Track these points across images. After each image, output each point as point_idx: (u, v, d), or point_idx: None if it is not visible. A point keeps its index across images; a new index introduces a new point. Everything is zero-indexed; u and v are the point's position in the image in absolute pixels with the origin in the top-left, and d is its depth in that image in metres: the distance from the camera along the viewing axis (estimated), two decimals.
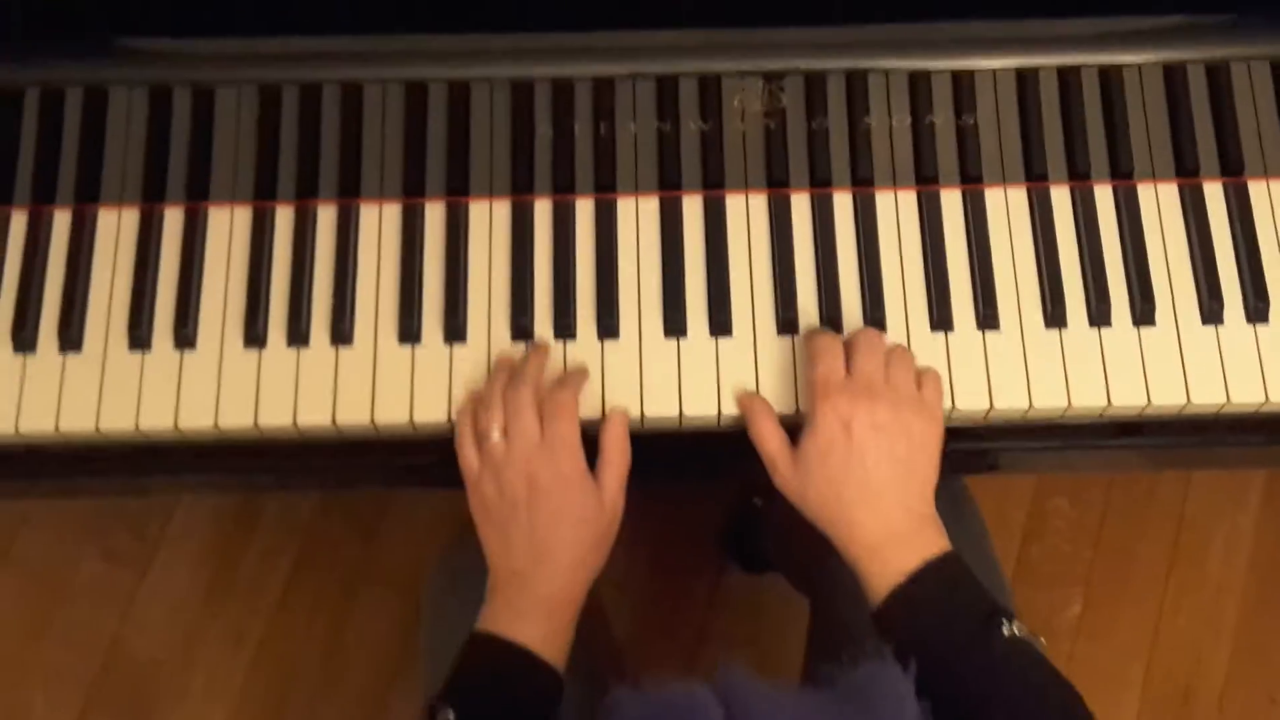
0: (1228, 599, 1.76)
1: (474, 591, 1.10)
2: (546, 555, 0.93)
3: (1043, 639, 0.89)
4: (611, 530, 0.97)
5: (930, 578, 0.89)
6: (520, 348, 1.02)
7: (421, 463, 1.04)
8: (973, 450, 1.04)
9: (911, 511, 0.92)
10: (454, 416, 0.99)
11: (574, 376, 0.99)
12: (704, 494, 1.76)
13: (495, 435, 0.95)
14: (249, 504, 1.79)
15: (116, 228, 1.05)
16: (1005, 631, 0.86)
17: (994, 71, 1.01)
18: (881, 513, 0.91)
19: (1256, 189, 1.05)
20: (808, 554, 1.25)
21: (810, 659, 1.19)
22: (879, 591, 0.90)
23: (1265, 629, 1.75)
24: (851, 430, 0.91)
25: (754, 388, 1.00)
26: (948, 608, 0.89)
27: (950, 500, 1.09)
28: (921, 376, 0.97)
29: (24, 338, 1.01)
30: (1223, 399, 0.99)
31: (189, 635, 1.75)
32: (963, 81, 1.02)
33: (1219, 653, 1.73)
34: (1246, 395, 1.00)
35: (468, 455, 0.96)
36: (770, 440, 0.95)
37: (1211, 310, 1.02)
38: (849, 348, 0.96)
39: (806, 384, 0.96)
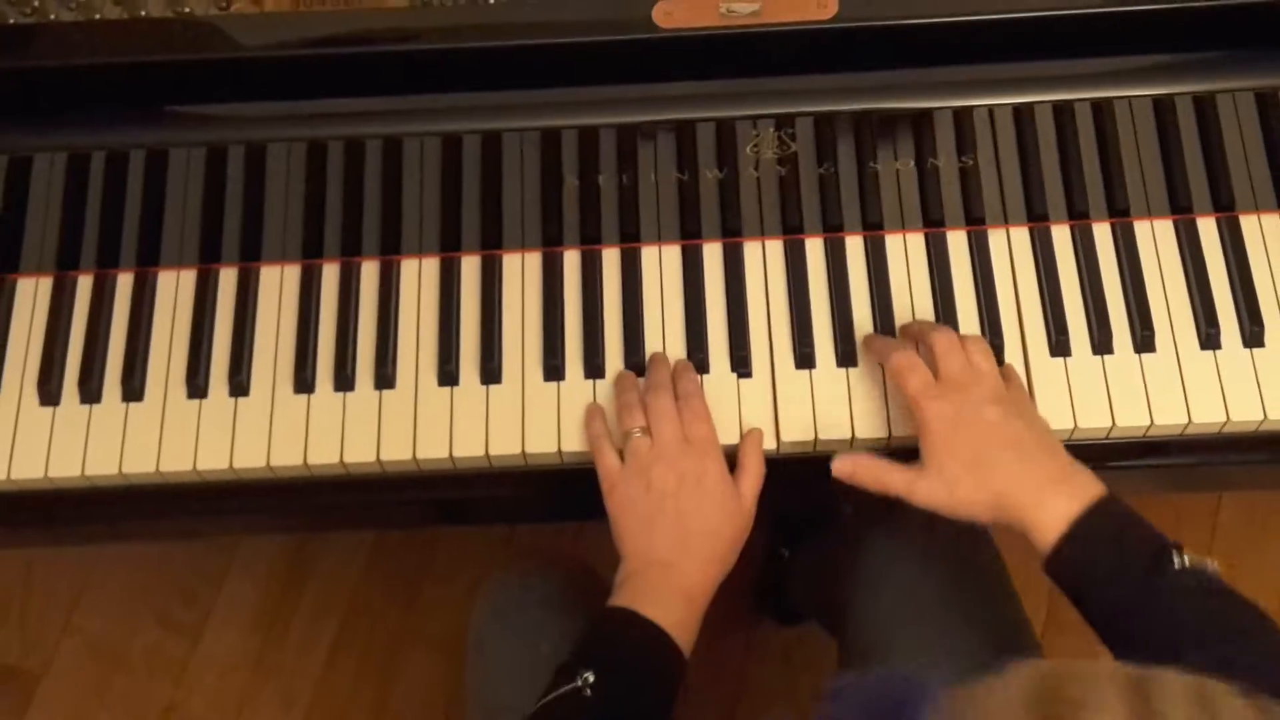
0: None
1: (520, 622, 1.14)
2: (691, 546, 0.98)
3: (1217, 562, 0.91)
4: (745, 531, 1.02)
5: (1096, 519, 0.91)
6: (553, 387, 1.08)
7: (468, 497, 1.10)
8: None
9: (1054, 458, 0.95)
10: (585, 428, 1.05)
11: (691, 377, 1.06)
12: None
13: (638, 435, 1.01)
14: (296, 570, 1.85)
15: (175, 287, 1.13)
16: (1177, 564, 0.89)
17: (991, 110, 1.07)
18: (1027, 460, 0.95)
19: (1248, 222, 1.11)
20: (834, 595, 1.29)
21: None
22: (1047, 539, 0.92)
23: None
24: (962, 415, 0.96)
25: (773, 420, 1.06)
26: (1118, 547, 0.91)
27: (968, 535, 1.13)
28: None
29: (90, 389, 1.08)
30: (1223, 418, 1.04)
31: (241, 699, 1.80)
32: (963, 122, 1.08)
33: None
34: (1246, 414, 1.04)
35: (607, 456, 1.02)
36: (893, 476, 0.98)
37: (1209, 336, 1.07)
38: (930, 353, 1.00)
39: (907, 401, 1.00)
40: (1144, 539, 0.92)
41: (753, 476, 1.02)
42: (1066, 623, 1.63)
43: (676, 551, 0.98)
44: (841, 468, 1.00)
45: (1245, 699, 0.55)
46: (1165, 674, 0.56)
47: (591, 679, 0.91)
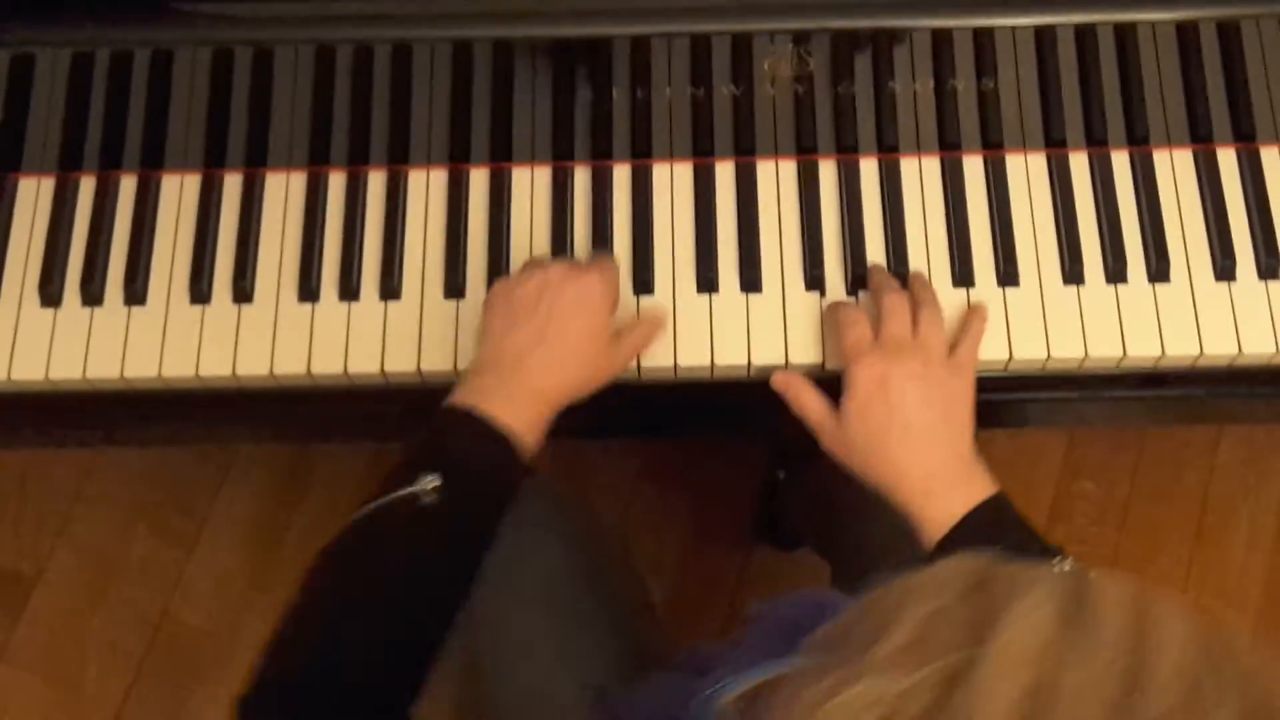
0: (1251, 580, 1.78)
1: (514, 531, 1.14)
2: (550, 345, 0.95)
3: (1094, 574, 0.92)
4: (601, 374, 0.99)
5: (981, 519, 0.92)
6: None
7: None
8: (995, 403, 1.08)
9: (954, 454, 0.95)
10: None
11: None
12: (732, 474, 1.80)
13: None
14: (293, 481, 1.84)
15: (180, 191, 1.11)
16: (1056, 568, 0.89)
17: (1013, 30, 1.05)
18: (925, 455, 0.95)
19: (1268, 153, 1.09)
20: (828, 514, 1.29)
21: None
22: (932, 534, 0.93)
23: None
24: (888, 384, 0.95)
25: (782, 340, 1.05)
26: (999, 547, 0.92)
27: None
28: (961, 333, 1.01)
29: (92, 292, 1.07)
30: (1235, 350, 1.03)
31: (236, 609, 1.80)
32: (983, 42, 1.06)
33: (1243, 632, 1.75)
34: (1258, 346, 1.04)
35: (525, 263, 1.02)
36: (813, 409, 1.00)
37: (1225, 267, 1.06)
38: (877, 312, 1.00)
39: (840, 354, 1.00)
40: (1026, 541, 0.92)
41: (640, 335, 1.02)
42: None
43: (534, 342, 0.95)
44: (777, 381, 1.01)
45: (1186, 615, 0.53)
46: (1105, 580, 0.55)
47: (438, 482, 0.87)
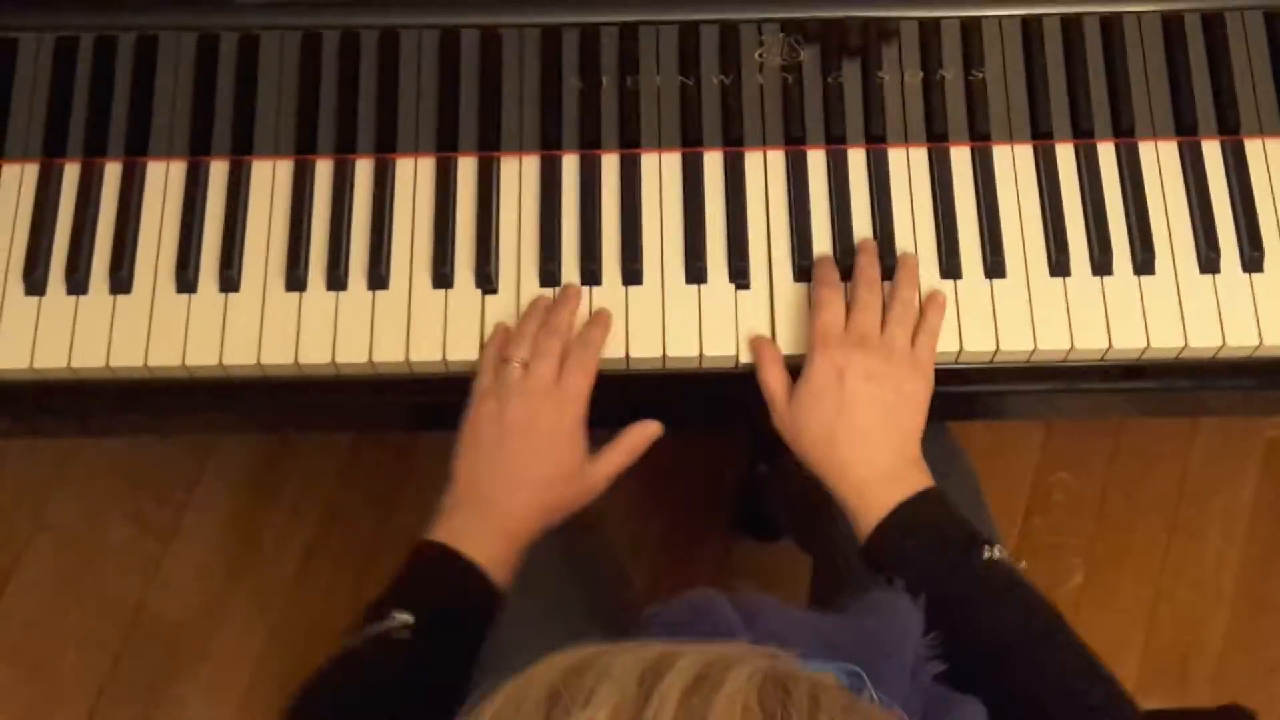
0: (1226, 571, 1.80)
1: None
2: (519, 489, 0.97)
3: (1024, 563, 0.94)
4: (578, 501, 1.01)
5: (912, 509, 0.94)
6: (549, 294, 1.06)
7: (452, 402, 1.09)
8: (976, 394, 1.09)
9: (897, 455, 0.97)
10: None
11: (599, 331, 1.03)
12: (713, 466, 1.80)
13: (516, 365, 0.99)
14: (271, 471, 1.84)
15: (165, 178, 1.10)
16: (986, 555, 0.91)
17: (1000, 20, 1.06)
18: (869, 454, 0.96)
19: (1252, 146, 1.10)
20: (810, 511, 1.30)
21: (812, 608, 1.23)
22: (866, 527, 0.94)
23: (1263, 600, 1.79)
24: (844, 378, 0.96)
25: (769, 331, 1.05)
26: (930, 536, 0.93)
27: (941, 453, 1.13)
28: (917, 333, 1.01)
29: (77, 280, 1.06)
30: (1219, 342, 1.04)
31: (213, 600, 1.79)
32: (971, 32, 1.06)
33: (1217, 623, 1.78)
34: (1241, 339, 1.04)
35: (485, 374, 1.01)
36: (773, 382, 1.01)
37: (1209, 260, 1.06)
38: (849, 301, 1.01)
39: (810, 330, 1.01)
40: (958, 529, 0.94)
41: (618, 456, 1.02)
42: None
43: (503, 490, 0.97)
44: (753, 342, 1.03)
45: (753, 675, 0.53)
46: (682, 651, 0.55)
47: (410, 620, 0.89)
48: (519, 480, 0.97)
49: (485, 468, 0.98)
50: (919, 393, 0.99)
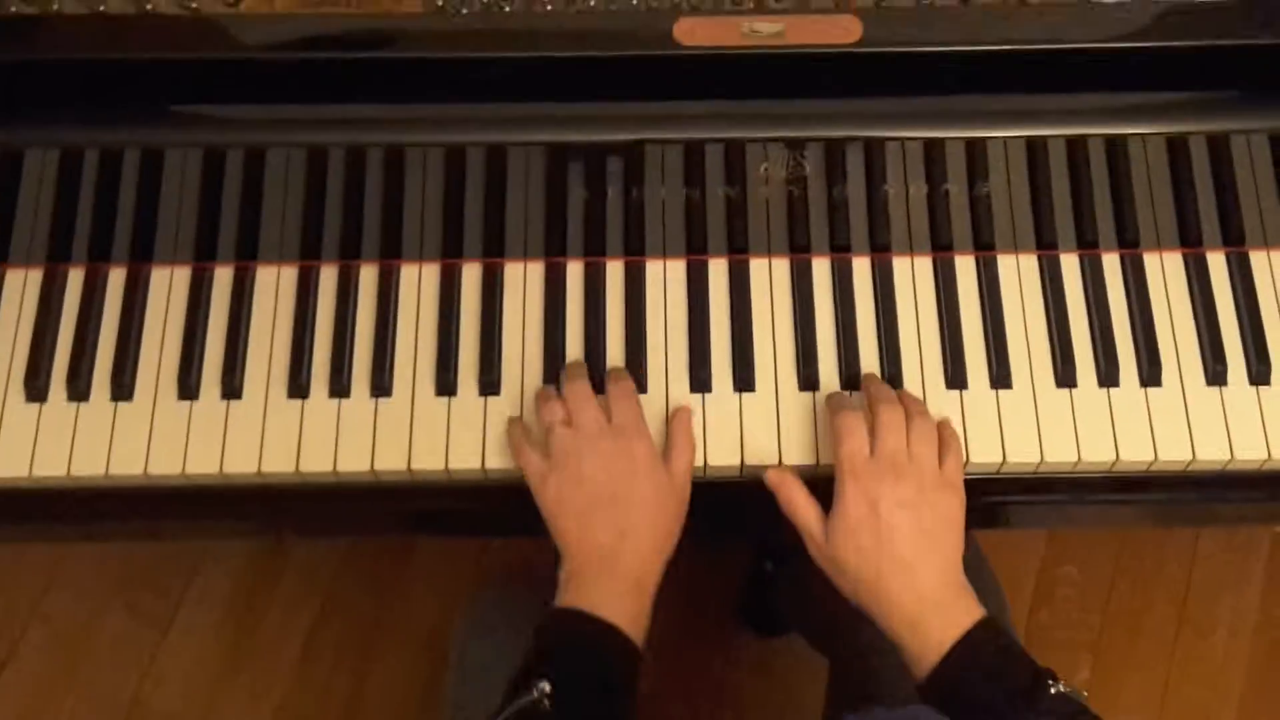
0: (1235, 668, 1.78)
1: (503, 635, 1.13)
2: (631, 533, 0.96)
3: (1085, 692, 0.93)
4: (682, 512, 1.00)
5: (974, 645, 0.91)
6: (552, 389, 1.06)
7: (453, 509, 1.09)
8: (985, 505, 1.08)
9: (944, 581, 0.94)
10: (507, 437, 1.04)
11: (618, 368, 1.04)
12: (718, 559, 1.79)
13: (560, 429, 0.98)
14: (270, 563, 1.82)
15: (169, 285, 1.10)
16: (1052, 690, 0.89)
17: (1005, 141, 1.06)
18: (915, 585, 0.93)
19: (1258, 258, 1.10)
20: (827, 612, 1.28)
21: (831, 711, 1.22)
22: (924, 664, 0.92)
23: (1272, 699, 1.77)
24: (879, 509, 0.94)
25: (776, 441, 1.04)
26: (994, 673, 0.91)
27: (969, 560, 1.12)
28: (943, 450, 0.99)
29: (78, 387, 1.06)
30: (1227, 456, 1.03)
31: (210, 692, 1.77)
32: (976, 151, 1.06)
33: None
34: (1250, 453, 1.04)
35: (530, 457, 1.00)
36: (804, 513, 0.99)
37: (1216, 373, 1.06)
38: (873, 425, 0.99)
39: (834, 461, 0.98)
40: (1021, 665, 0.92)
41: (682, 451, 1.01)
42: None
43: (616, 539, 0.96)
44: (771, 478, 1.01)
45: None
46: None
47: (549, 689, 0.88)
48: (629, 528, 0.96)
49: (590, 531, 0.96)
50: (954, 512, 0.97)
